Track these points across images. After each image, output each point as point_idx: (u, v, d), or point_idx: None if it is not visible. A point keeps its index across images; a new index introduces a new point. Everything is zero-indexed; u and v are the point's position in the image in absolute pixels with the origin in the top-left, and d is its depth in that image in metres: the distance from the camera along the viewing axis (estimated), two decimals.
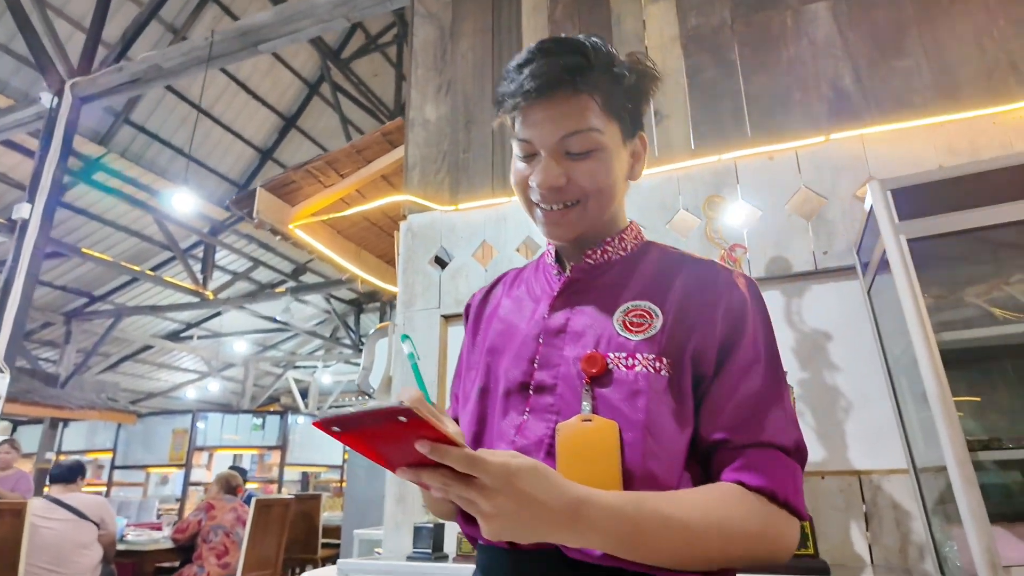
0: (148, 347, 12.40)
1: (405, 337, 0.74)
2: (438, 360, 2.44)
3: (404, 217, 2.73)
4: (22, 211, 3.90)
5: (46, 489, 3.96)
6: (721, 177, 2.24)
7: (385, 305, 11.73)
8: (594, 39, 0.72)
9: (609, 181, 0.71)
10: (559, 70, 0.68)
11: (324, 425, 0.50)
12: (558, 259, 0.80)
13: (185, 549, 4.21)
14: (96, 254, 8.41)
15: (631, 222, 0.80)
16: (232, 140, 8.83)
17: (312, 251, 3.56)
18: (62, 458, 8.71)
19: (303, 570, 5.12)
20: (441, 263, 2.61)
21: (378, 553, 2.23)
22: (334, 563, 4.56)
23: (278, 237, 3.36)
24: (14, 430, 11.64)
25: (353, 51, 8.77)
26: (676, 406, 0.65)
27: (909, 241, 1.51)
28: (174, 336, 12.57)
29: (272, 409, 12.44)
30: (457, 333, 2.49)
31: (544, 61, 0.68)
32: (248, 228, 9.39)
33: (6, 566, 3.37)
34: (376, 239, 3.76)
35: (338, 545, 5.26)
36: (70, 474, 3.98)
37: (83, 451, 10.72)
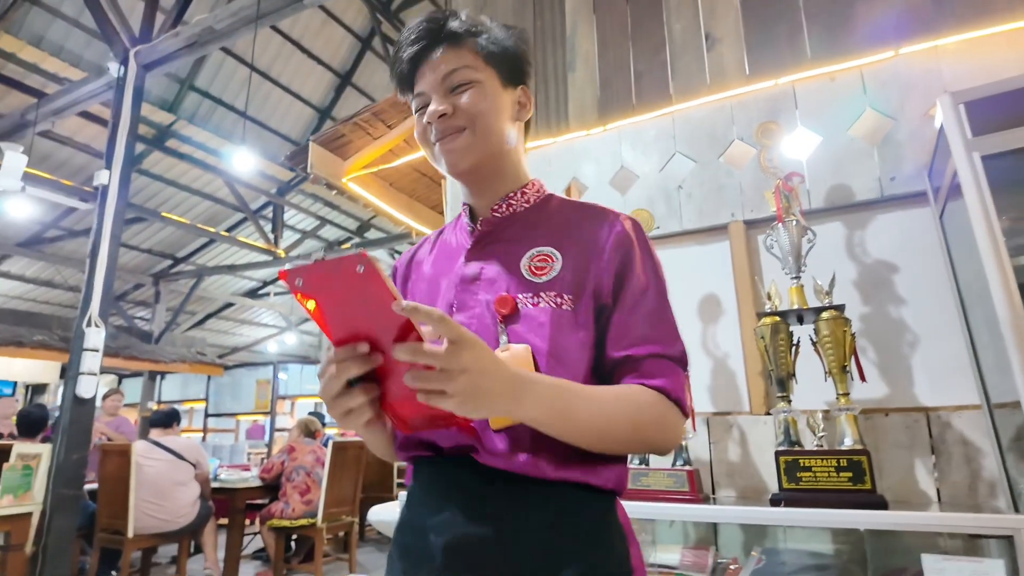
0: (230, 304, 13.19)
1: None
2: None
3: None
4: (102, 177, 4.16)
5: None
6: (778, 103, 2.11)
7: None
8: (460, 13, 0.89)
9: (488, 108, 0.84)
10: (435, 34, 0.85)
11: (289, 278, 0.52)
12: (472, 217, 0.92)
13: (272, 488, 4.57)
14: (175, 217, 8.91)
15: (533, 179, 0.95)
16: (291, 101, 9.00)
17: (367, 204, 3.63)
18: (161, 407, 9.51)
19: None
20: None
21: None
22: None
23: (334, 192, 3.44)
24: (120, 382, 12.81)
25: (402, 1, 8.65)
26: (577, 334, 0.77)
27: (983, 158, 1.39)
28: (252, 294, 13.29)
29: None
30: None
31: (420, 35, 0.85)
32: (313, 188, 9.68)
33: (119, 499, 3.80)
34: (427, 190, 3.78)
35: None
36: (167, 420, 4.38)
37: (179, 400, 11.69)
